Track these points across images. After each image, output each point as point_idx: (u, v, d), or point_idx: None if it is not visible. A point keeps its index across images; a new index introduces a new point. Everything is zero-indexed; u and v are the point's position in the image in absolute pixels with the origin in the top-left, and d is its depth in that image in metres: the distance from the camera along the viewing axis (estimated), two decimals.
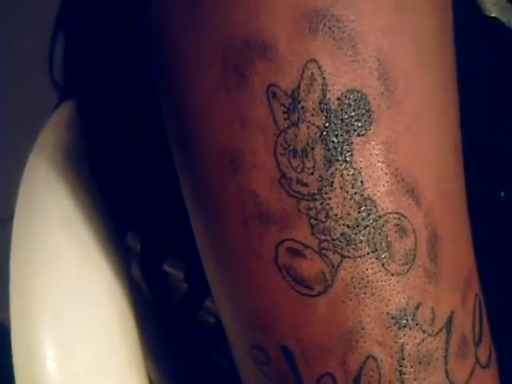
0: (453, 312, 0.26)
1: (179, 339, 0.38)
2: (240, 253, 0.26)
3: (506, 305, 0.32)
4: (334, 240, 0.25)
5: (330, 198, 0.24)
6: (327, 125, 0.24)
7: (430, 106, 0.25)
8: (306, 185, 0.24)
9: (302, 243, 0.25)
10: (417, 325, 0.25)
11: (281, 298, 0.25)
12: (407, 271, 0.25)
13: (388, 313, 0.25)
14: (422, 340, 0.25)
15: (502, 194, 0.32)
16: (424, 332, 0.25)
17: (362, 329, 0.25)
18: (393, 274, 0.25)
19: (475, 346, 0.26)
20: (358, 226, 0.24)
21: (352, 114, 0.24)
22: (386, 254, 0.25)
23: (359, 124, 0.24)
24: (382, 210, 0.25)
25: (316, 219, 0.25)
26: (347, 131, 0.24)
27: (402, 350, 0.25)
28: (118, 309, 0.37)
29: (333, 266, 0.25)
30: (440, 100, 0.26)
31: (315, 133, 0.24)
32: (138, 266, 0.37)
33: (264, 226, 0.25)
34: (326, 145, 0.24)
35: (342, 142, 0.24)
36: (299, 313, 0.25)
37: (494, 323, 0.28)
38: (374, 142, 0.24)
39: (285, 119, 0.24)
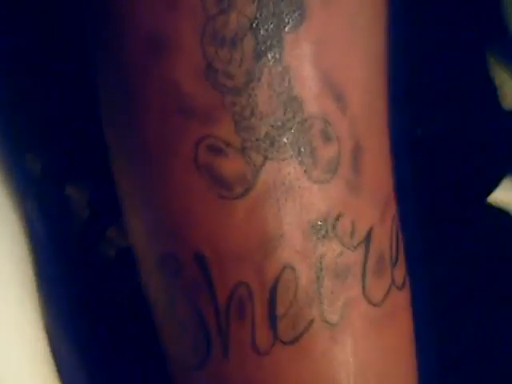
0: (371, 228, 0.25)
1: (76, 279, 0.36)
2: (157, 151, 0.24)
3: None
4: (257, 140, 0.23)
5: (256, 95, 0.23)
6: (258, 15, 0.23)
7: (362, 16, 0.25)
8: (232, 77, 0.23)
9: (224, 141, 0.23)
10: (336, 236, 0.24)
11: (198, 201, 0.24)
12: (330, 180, 0.24)
13: (308, 221, 0.24)
14: (341, 253, 0.24)
15: (419, 130, 0.32)
16: (343, 245, 0.24)
17: (281, 236, 0.24)
18: (315, 182, 0.24)
19: (391, 266, 0.26)
20: (283, 126, 0.23)
21: (284, 7, 0.23)
22: (310, 159, 0.24)
23: (291, 19, 0.23)
24: (308, 112, 0.24)
25: (240, 115, 0.23)
26: (278, 26, 0.23)
27: (321, 262, 0.24)
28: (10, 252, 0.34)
29: (255, 167, 0.23)
30: (371, 12, 0.25)
31: (245, 23, 0.23)
32: (35, 196, 0.34)
33: (185, 120, 0.23)
34: (255, 37, 0.23)
35: (273, 36, 0.23)
36: (216, 217, 0.24)
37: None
38: (304, 41, 0.23)
39: (215, 5, 0.23)
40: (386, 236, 0.25)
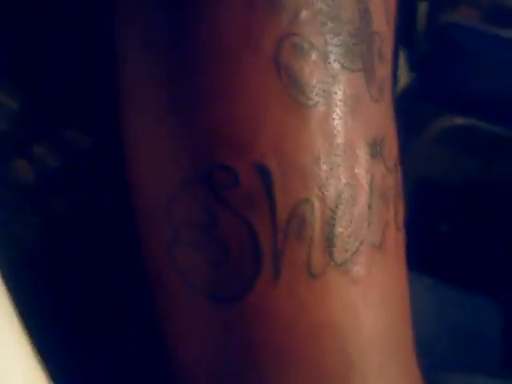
0: (397, 156, 0.25)
1: None
2: (233, 45, 0.21)
3: None
4: (337, 46, 0.22)
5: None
6: None
7: None
8: None
9: (308, 41, 0.21)
10: (382, 157, 0.24)
11: (271, 104, 0.21)
12: (380, 100, 0.24)
13: (365, 140, 0.23)
14: (384, 174, 0.24)
15: None
16: (385, 167, 0.24)
17: (344, 152, 0.23)
18: (371, 99, 0.23)
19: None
20: (357, 36, 0.23)
21: None
22: (371, 76, 0.23)
23: None
24: (374, 27, 0.23)
25: (327, 17, 0.22)
26: None
27: (372, 182, 0.23)
28: None
29: (332, 74, 0.22)
30: None
31: None
32: None
33: (271, 13, 0.21)
34: None
35: None
36: (288, 124, 0.22)
37: None
38: None
39: None
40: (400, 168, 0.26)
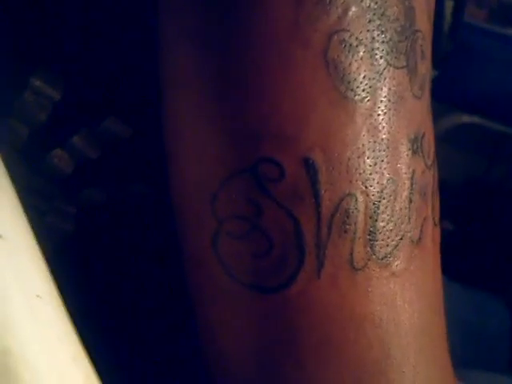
0: (435, 152, 0.26)
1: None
2: (282, 41, 0.21)
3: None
4: (383, 42, 0.22)
5: None
6: None
7: None
8: None
9: (356, 37, 0.22)
10: (422, 153, 0.24)
11: (320, 98, 0.22)
12: (421, 97, 0.24)
13: (407, 135, 0.23)
14: (424, 171, 0.24)
15: None
16: (425, 163, 0.24)
17: (388, 147, 0.23)
18: (414, 96, 0.24)
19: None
20: (402, 33, 0.23)
21: None
22: (413, 72, 0.23)
23: None
24: (417, 25, 0.23)
25: (374, 14, 0.22)
26: None
27: (413, 177, 0.24)
28: None
29: (378, 71, 0.22)
30: None
31: None
32: None
33: (322, 9, 0.21)
34: None
35: None
36: (334, 119, 0.22)
37: None
38: None
39: None
40: (436, 166, 0.26)
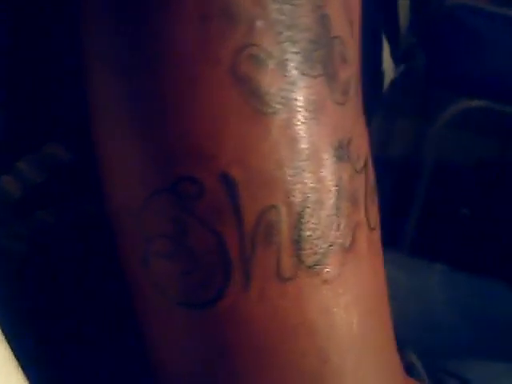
0: (367, 156, 0.25)
1: None
2: (190, 59, 0.21)
3: None
4: (295, 53, 0.22)
5: (296, 5, 0.22)
6: None
7: None
8: None
9: (265, 51, 0.22)
10: (349, 159, 0.24)
11: (232, 114, 0.22)
12: (345, 103, 0.24)
13: (331, 143, 0.23)
14: (352, 176, 0.24)
15: None
16: (354, 168, 0.24)
17: (309, 157, 0.23)
18: (336, 103, 0.24)
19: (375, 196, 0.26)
20: (317, 42, 0.23)
21: None
22: (333, 79, 0.23)
23: None
24: (334, 31, 0.23)
25: (283, 26, 0.22)
26: None
27: (339, 184, 0.24)
28: None
29: (291, 82, 0.22)
30: None
31: None
32: None
33: (228, 25, 0.21)
34: None
35: None
36: (250, 134, 0.22)
37: None
38: None
39: None
40: (372, 168, 0.26)
